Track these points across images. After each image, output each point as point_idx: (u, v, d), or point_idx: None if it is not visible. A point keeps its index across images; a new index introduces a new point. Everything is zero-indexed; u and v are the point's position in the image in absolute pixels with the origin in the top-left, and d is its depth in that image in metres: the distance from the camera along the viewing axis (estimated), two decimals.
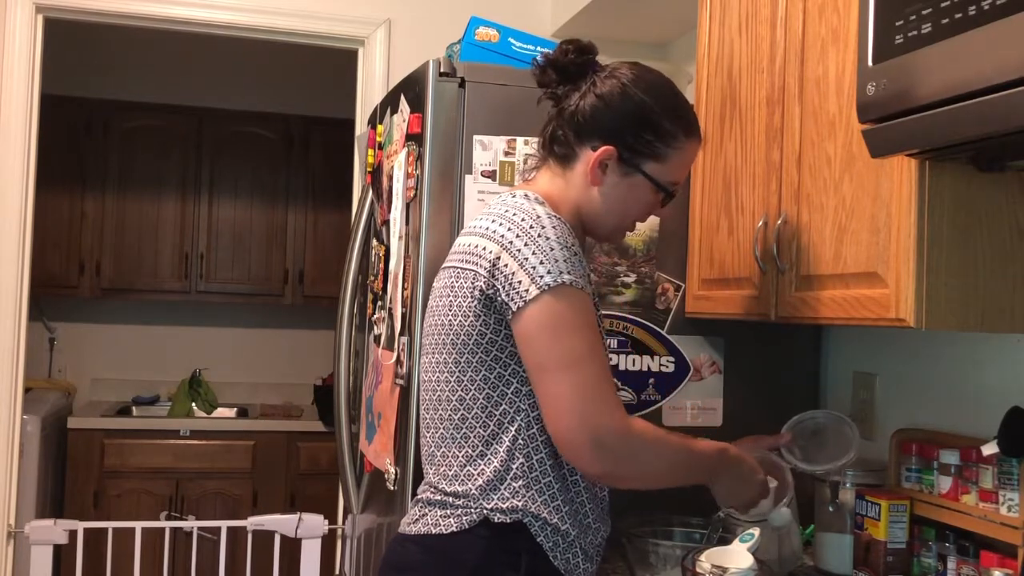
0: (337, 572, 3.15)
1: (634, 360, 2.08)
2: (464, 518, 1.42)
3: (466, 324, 1.42)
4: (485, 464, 1.42)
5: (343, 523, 3.00)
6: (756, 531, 1.55)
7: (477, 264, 1.41)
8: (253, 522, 2.97)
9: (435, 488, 1.47)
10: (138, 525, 3.04)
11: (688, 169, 1.57)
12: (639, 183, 1.50)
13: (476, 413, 1.43)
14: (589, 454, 1.34)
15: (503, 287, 1.38)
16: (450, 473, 1.45)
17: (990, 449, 1.58)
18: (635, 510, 1.86)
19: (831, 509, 1.89)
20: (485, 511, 1.41)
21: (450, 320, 1.44)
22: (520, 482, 1.41)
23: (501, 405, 1.42)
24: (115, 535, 3.04)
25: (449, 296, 1.46)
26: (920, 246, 1.38)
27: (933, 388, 1.93)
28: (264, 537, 3.04)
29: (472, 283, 1.41)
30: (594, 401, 1.34)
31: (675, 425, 2.06)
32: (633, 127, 1.48)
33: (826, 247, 1.61)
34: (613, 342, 2.07)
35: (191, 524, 3.41)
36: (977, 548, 1.66)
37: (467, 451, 1.44)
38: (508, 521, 1.41)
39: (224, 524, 3.09)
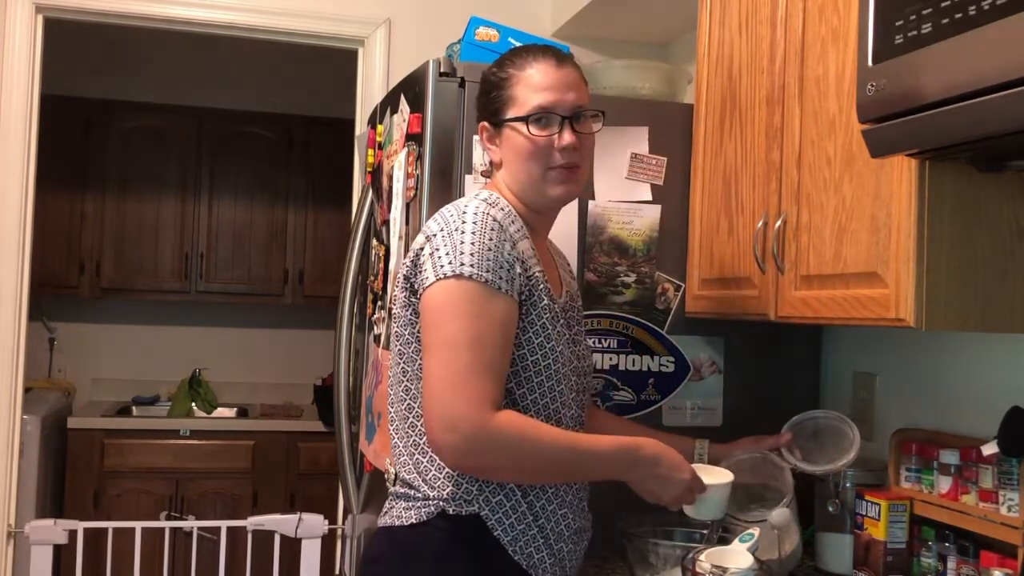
0: (337, 572, 3.15)
1: (634, 360, 2.08)
2: (423, 510, 1.45)
3: (403, 316, 1.50)
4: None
5: (343, 523, 3.00)
6: (756, 531, 1.55)
7: (409, 258, 1.49)
8: (253, 522, 2.97)
9: (401, 481, 1.52)
10: (138, 525, 3.04)
11: (549, 90, 1.51)
12: (511, 132, 1.54)
13: (421, 401, 1.46)
14: (439, 440, 1.35)
15: (415, 275, 1.45)
16: (410, 463, 1.49)
17: (990, 449, 1.58)
18: (635, 510, 1.85)
19: (831, 509, 1.89)
20: (442, 504, 1.44)
21: (395, 316, 1.52)
22: None
23: None
24: (115, 535, 3.04)
25: (395, 292, 1.53)
26: (920, 246, 1.38)
27: (933, 388, 1.93)
28: (264, 537, 3.04)
29: (404, 275, 1.49)
30: (455, 389, 1.34)
31: (675, 425, 2.06)
32: (482, 99, 1.59)
33: (826, 247, 1.61)
34: (613, 342, 2.07)
35: (191, 524, 3.42)
36: (977, 548, 1.66)
37: (414, 439, 1.48)
38: (464, 514, 1.43)
39: (224, 524, 3.09)
